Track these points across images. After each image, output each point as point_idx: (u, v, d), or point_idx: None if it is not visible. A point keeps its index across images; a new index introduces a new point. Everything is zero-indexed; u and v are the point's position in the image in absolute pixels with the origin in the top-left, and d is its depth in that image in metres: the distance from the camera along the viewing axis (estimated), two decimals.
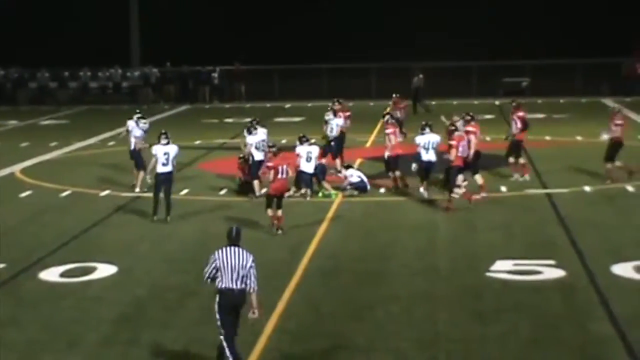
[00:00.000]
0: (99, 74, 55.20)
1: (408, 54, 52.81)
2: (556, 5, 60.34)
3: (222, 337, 12.38)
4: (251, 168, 24.00)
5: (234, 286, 12.36)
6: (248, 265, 12.48)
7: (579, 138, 34.60)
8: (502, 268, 17.53)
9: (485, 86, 51.26)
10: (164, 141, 21.85)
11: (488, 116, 42.30)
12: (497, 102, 47.98)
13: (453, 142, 22.35)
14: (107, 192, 25.64)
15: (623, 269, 17.27)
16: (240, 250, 12.55)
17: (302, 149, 23.75)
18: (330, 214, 22.37)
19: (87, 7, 61.21)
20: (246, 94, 52.58)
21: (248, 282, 12.46)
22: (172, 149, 21.77)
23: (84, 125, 42.62)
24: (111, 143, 35.09)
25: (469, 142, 23.04)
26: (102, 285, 17.11)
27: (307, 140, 24.06)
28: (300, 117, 43.22)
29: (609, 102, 47.46)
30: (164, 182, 21.64)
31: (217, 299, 12.43)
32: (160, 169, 21.62)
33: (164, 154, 21.62)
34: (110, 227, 21.86)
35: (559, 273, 17.18)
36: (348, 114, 28.54)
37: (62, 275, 17.76)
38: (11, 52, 55.25)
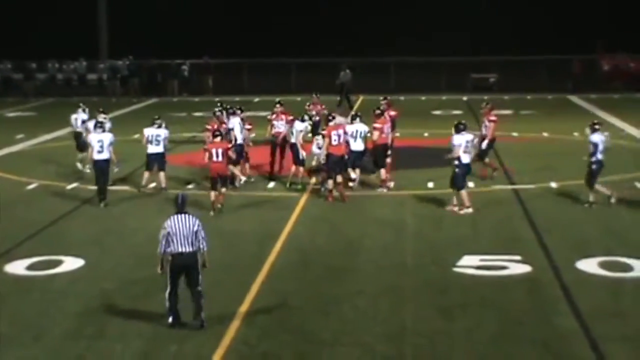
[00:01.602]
0: (63, 67, 55.00)
1: (379, 50, 53.00)
2: (525, 3, 60.76)
3: (166, 293, 13.85)
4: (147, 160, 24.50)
5: (184, 249, 13.75)
6: (195, 228, 13.84)
7: (545, 134, 34.82)
8: (468, 263, 17.62)
9: (454, 82, 51.51)
10: (98, 130, 23.20)
11: (456, 111, 42.52)
12: (465, 98, 48.20)
13: (324, 132, 23.49)
14: (74, 184, 25.54)
15: (588, 265, 17.42)
16: (188, 216, 13.99)
17: (233, 121, 24.79)
18: (298, 209, 22.40)
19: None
20: (214, 87, 52.46)
21: (197, 244, 13.84)
22: (106, 137, 22.89)
23: (50, 117, 42.35)
24: None
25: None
26: (68, 279, 17.04)
27: (234, 113, 25.21)
28: (267, 112, 43.11)
29: (574, 99, 47.85)
30: (100, 168, 22.68)
31: (169, 262, 13.78)
32: (96, 156, 22.69)
33: (97, 142, 22.71)
34: (77, 220, 21.78)
35: (524, 268, 17.30)
36: (291, 118, 27.67)
37: (28, 268, 17.68)
38: None
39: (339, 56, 51.36)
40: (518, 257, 17.93)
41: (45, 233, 20.53)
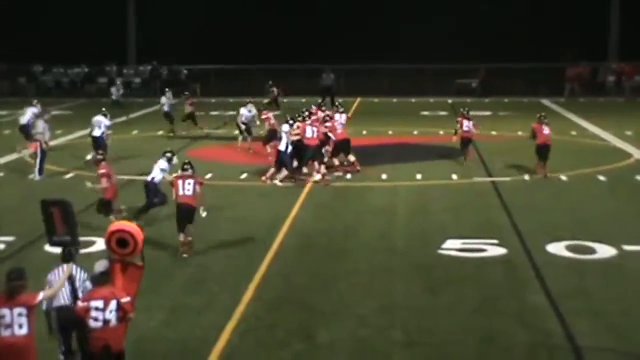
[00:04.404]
0: (67, 71, 56.69)
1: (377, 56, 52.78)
2: (501, 15, 60.23)
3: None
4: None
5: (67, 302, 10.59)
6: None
7: (520, 133, 34.72)
8: (451, 246, 17.60)
9: (440, 86, 51.45)
10: None
11: (442, 112, 42.53)
12: (449, 101, 48.14)
13: None
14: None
15: (556, 248, 17.40)
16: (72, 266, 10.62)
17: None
18: (302, 196, 22.38)
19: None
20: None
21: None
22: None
23: (83, 116, 42.23)
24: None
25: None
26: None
27: None
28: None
29: (546, 102, 47.75)
30: None
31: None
32: None
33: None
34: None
35: (501, 251, 17.27)
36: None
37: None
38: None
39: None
40: (495, 241, 17.90)
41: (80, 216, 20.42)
